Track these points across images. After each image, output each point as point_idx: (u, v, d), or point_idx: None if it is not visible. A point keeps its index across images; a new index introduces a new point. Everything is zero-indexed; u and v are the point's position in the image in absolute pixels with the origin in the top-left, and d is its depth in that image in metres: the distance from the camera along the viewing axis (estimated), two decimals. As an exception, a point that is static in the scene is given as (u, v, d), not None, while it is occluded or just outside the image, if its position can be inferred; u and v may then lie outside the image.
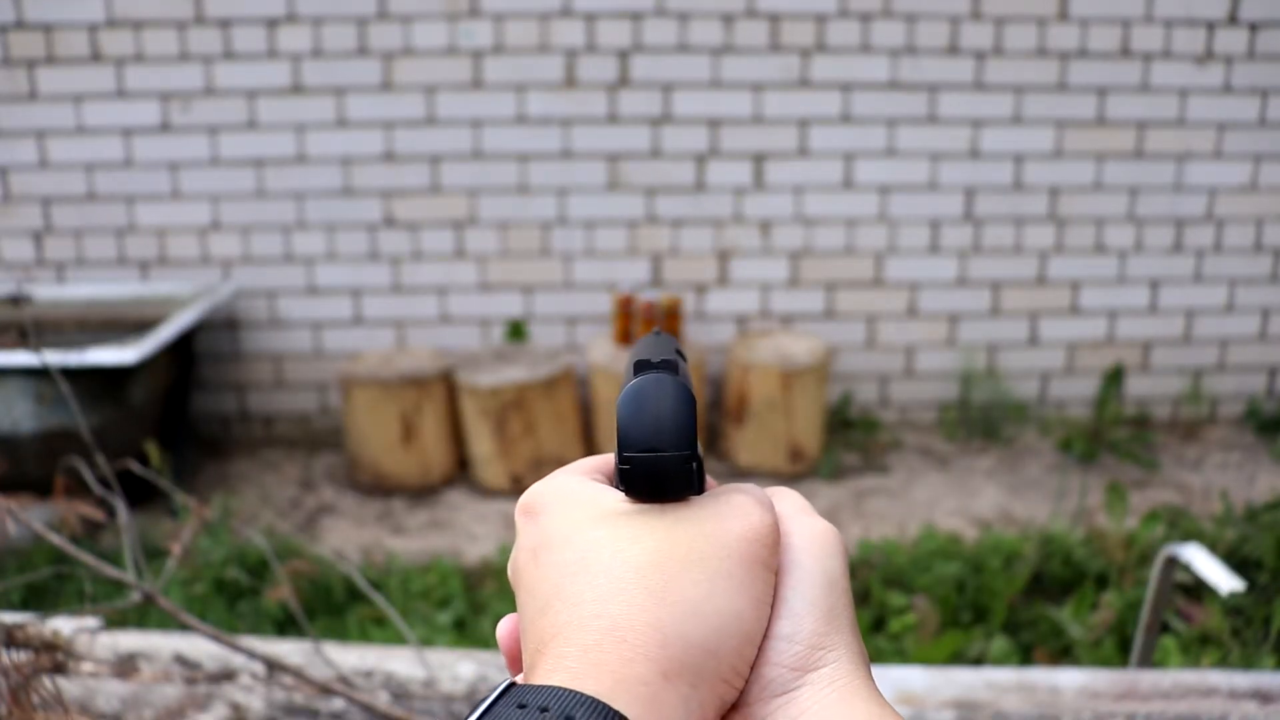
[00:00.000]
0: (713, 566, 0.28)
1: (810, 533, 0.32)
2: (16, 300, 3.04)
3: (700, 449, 0.29)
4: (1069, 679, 1.21)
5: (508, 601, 2.40)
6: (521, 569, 0.31)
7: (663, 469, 0.28)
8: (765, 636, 0.29)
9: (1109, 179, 3.27)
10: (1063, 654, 2.25)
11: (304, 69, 3.08)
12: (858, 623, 0.31)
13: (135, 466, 1.60)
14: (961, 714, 1.12)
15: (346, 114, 3.12)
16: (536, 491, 0.32)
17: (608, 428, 3.07)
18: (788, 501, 0.33)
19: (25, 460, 2.64)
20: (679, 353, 0.33)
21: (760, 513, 0.30)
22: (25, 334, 2.37)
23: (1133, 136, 3.23)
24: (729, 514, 0.30)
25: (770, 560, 0.29)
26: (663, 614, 0.27)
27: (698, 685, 0.27)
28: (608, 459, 0.35)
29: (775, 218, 3.26)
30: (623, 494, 0.30)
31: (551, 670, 0.27)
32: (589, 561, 0.28)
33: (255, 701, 1.27)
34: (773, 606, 0.29)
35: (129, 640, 1.36)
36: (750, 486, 0.32)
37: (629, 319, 3.12)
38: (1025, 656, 2.26)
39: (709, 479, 0.32)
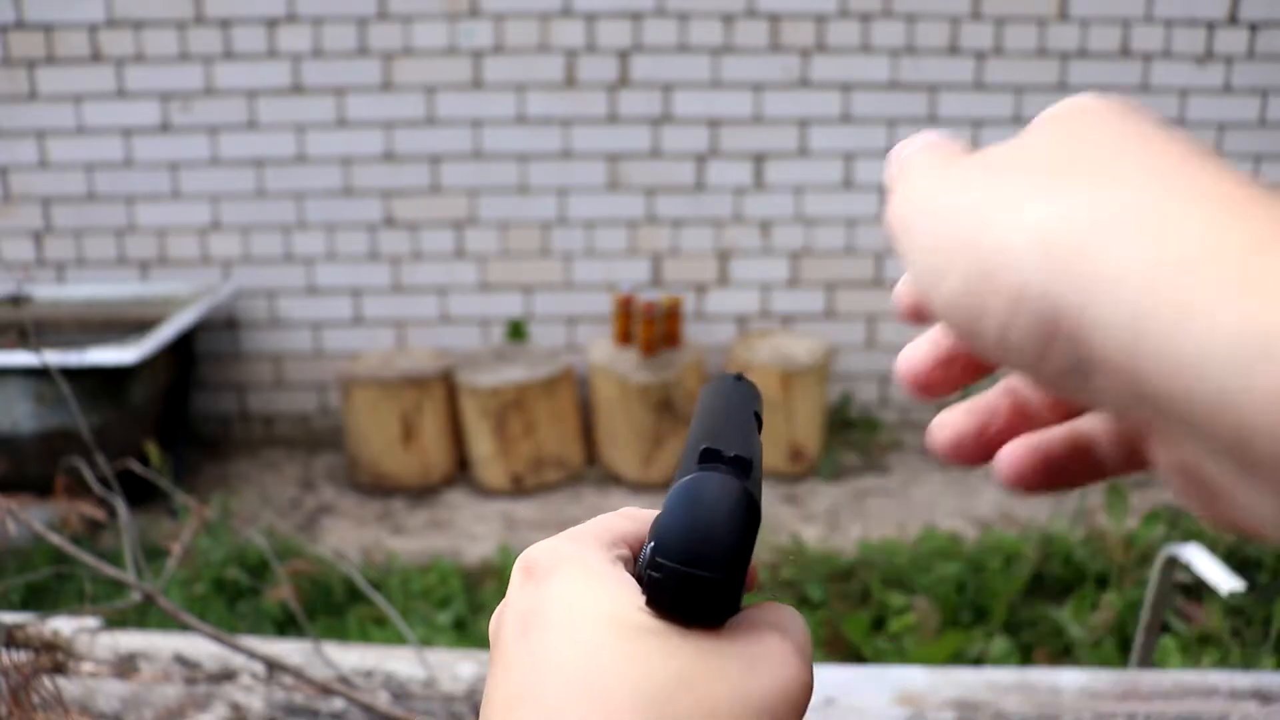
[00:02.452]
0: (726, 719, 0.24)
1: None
2: (16, 300, 3.04)
3: (751, 564, 0.25)
4: (1069, 679, 1.20)
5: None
6: (505, 636, 0.27)
7: (698, 588, 0.24)
8: None
9: (1109, 179, 3.26)
10: (1063, 654, 2.25)
11: (304, 69, 3.08)
12: None
13: (135, 466, 1.60)
14: (962, 714, 1.12)
15: (346, 114, 3.12)
16: (545, 551, 0.27)
17: (608, 428, 3.07)
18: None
19: (25, 460, 2.64)
20: (758, 416, 0.28)
21: (798, 670, 0.26)
22: (25, 334, 2.38)
23: (1133, 136, 3.22)
24: (762, 662, 0.25)
25: None
26: None
27: None
28: (638, 523, 0.30)
29: (775, 218, 3.26)
30: (645, 598, 0.26)
31: None
32: (582, 670, 0.24)
33: (255, 701, 1.27)
34: None
35: (129, 640, 1.36)
36: (790, 622, 0.27)
37: (629, 319, 3.12)
38: (1025, 657, 2.26)
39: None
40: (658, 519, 0.24)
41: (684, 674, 0.24)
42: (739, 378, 0.30)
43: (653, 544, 0.24)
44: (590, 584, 0.26)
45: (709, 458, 0.24)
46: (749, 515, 0.24)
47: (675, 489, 0.24)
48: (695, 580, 0.23)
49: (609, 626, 0.24)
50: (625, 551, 0.28)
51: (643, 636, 0.24)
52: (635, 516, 0.30)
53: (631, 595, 0.25)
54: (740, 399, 0.28)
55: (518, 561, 0.28)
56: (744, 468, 0.24)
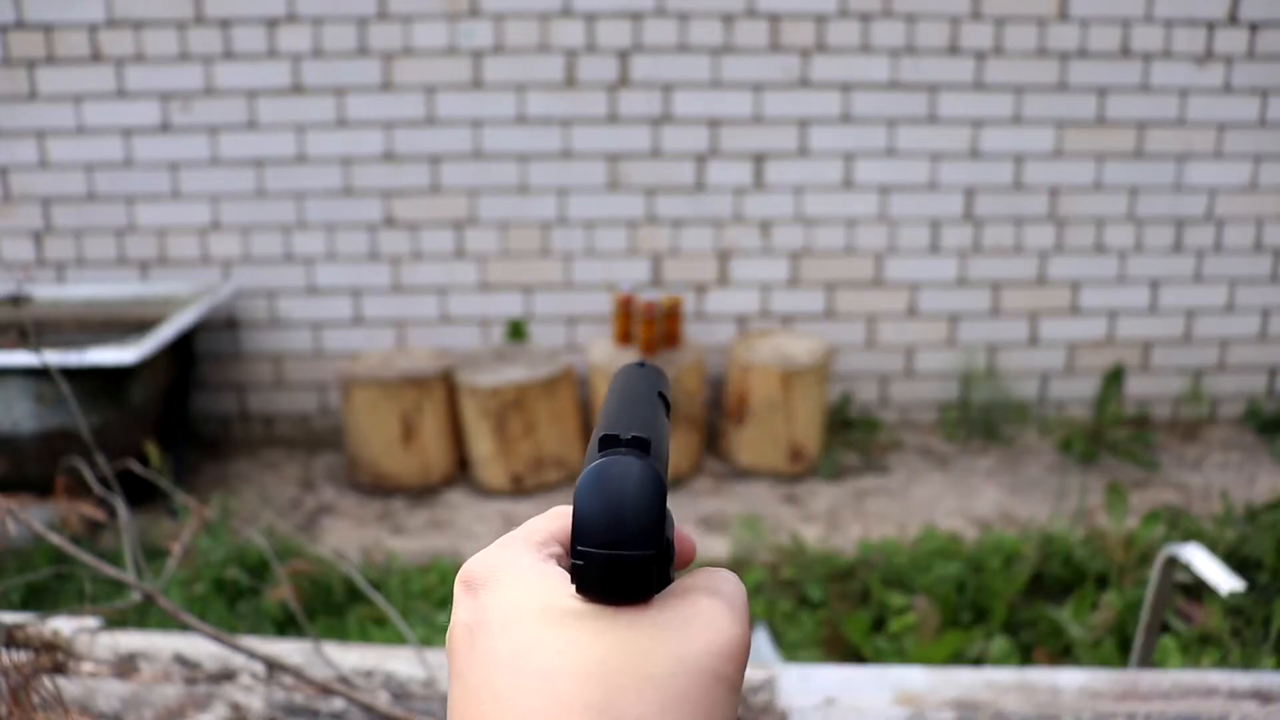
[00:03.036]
0: (667, 684, 0.25)
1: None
2: (16, 300, 3.04)
3: (668, 535, 0.26)
4: (1069, 679, 1.20)
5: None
6: (455, 648, 0.28)
7: (621, 569, 0.24)
8: None
9: (1109, 179, 3.27)
10: (1063, 654, 2.25)
11: (304, 69, 3.08)
12: None
13: (135, 466, 1.60)
14: (962, 714, 1.12)
15: (346, 114, 3.12)
16: (480, 562, 0.28)
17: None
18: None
19: (25, 460, 2.64)
20: (663, 397, 0.29)
21: (731, 624, 0.26)
22: (25, 334, 2.37)
23: (1133, 136, 3.23)
24: (694, 624, 0.26)
25: (736, 679, 0.26)
26: None
27: None
28: (566, 519, 0.30)
29: (775, 218, 3.26)
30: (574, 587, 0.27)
31: None
32: (526, 661, 0.25)
33: (255, 701, 1.27)
34: None
35: (129, 640, 1.36)
36: (722, 582, 0.29)
37: (629, 319, 3.12)
38: (1025, 657, 2.26)
39: (681, 533, 0.28)
40: (573, 510, 0.25)
41: (621, 649, 0.25)
42: (641, 364, 0.31)
43: (572, 535, 0.25)
44: (524, 584, 0.27)
45: (608, 443, 0.25)
46: (654, 490, 0.24)
47: (581, 477, 0.25)
48: (615, 561, 0.24)
49: (545, 619, 0.25)
50: (557, 548, 0.29)
51: (577, 622, 0.25)
52: (563, 514, 0.31)
53: (563, 586, 0.26)
54: (644, 384, 0.29)
55: (457, 577, 0.29)
56: (643, 446, 0.25)
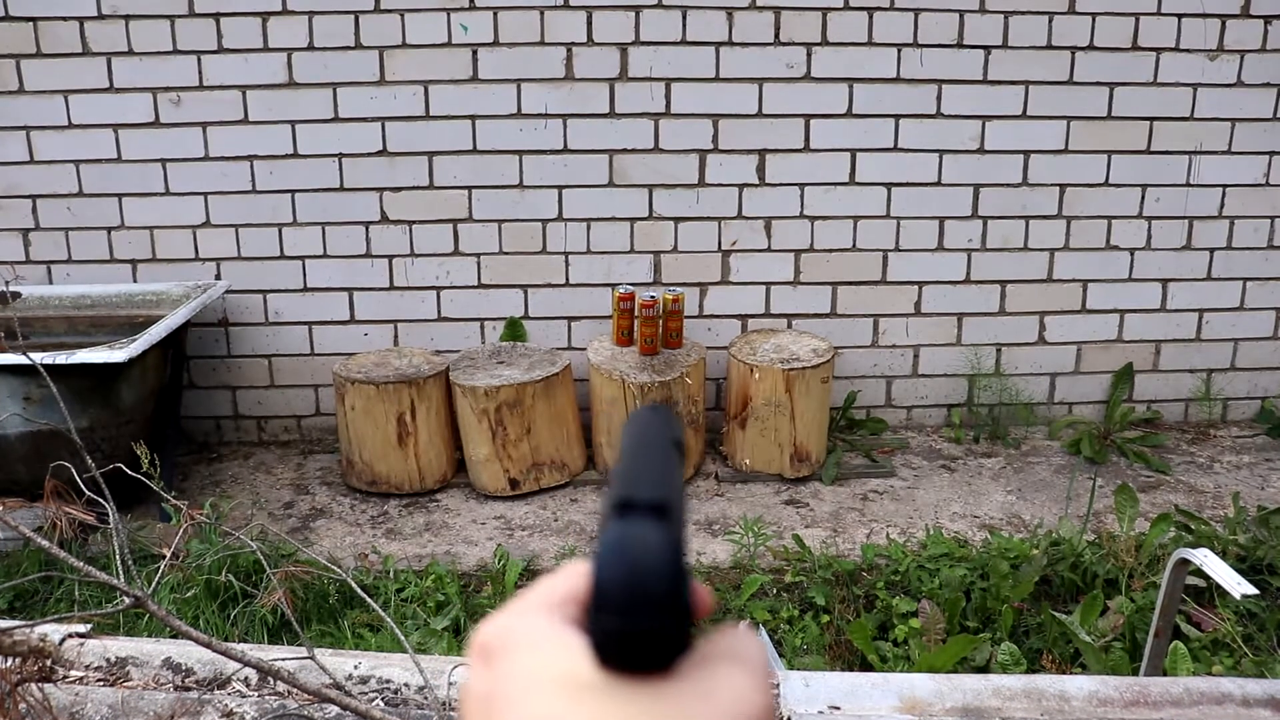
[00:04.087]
0: None
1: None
2: (4, 299, 2.99)
3: (687, 599, 0.25)
4: (1078, 686, 1.18)
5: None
6: (470, 718, 0.27)
7: (642, 640, 0.24)
8: None
9: (1118, 175, 3.21)
10: (1071, 660, 2.20)
11: (297, 63, 3.02)
12: None
13: (125, 469, 1.55)
14: (972, 727, 1.08)
15: (340, 109, 3.06)
16: (496, 629, 0.28)
17: (607, 429, 3.02)
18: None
19: (13, 463, 2.59)
20: (678, 445, 0.28)
21: (755, 692, 0.26)
22: (12, 333, 2.32)
23: (1143, 132, 3.17)
24: (717, 694, 0.26)
25: None
26: None
27: None
28: (582, 578, 0.30)
29: (778, 214, 3.21)
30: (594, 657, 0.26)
31: None
32: None
33: (248, 708, 1.23)
34: None
35: (118, 646, 1.32)
36: (743, 647, 0.28)
37: (629, 318, 3.07)
38: (1033, 663, 2.21)
39: (696, 587, 0.27)
40: (594, 579, 0.25)
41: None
42: (654, 408, 0.30)
43: (592, 603, 0.25)
44: (541, 653, 0.26)
45: (627, 510, 0.25)
46: (675, 558, 0.24)
47: (601, 545, 0.25)
48: (636, 632, 0.24)
49: (563, 690, 0.25)
50: (574, 610, 0.29)
51: (597, 695, 0.25)
52: (579, 573, 0.30)
53: (582, 656, 0.26)
54: (656, 431, 0.29)
55: (472, 644, 0.28)
56: (662, 509, 0.25)
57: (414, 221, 3.18)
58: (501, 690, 0.26)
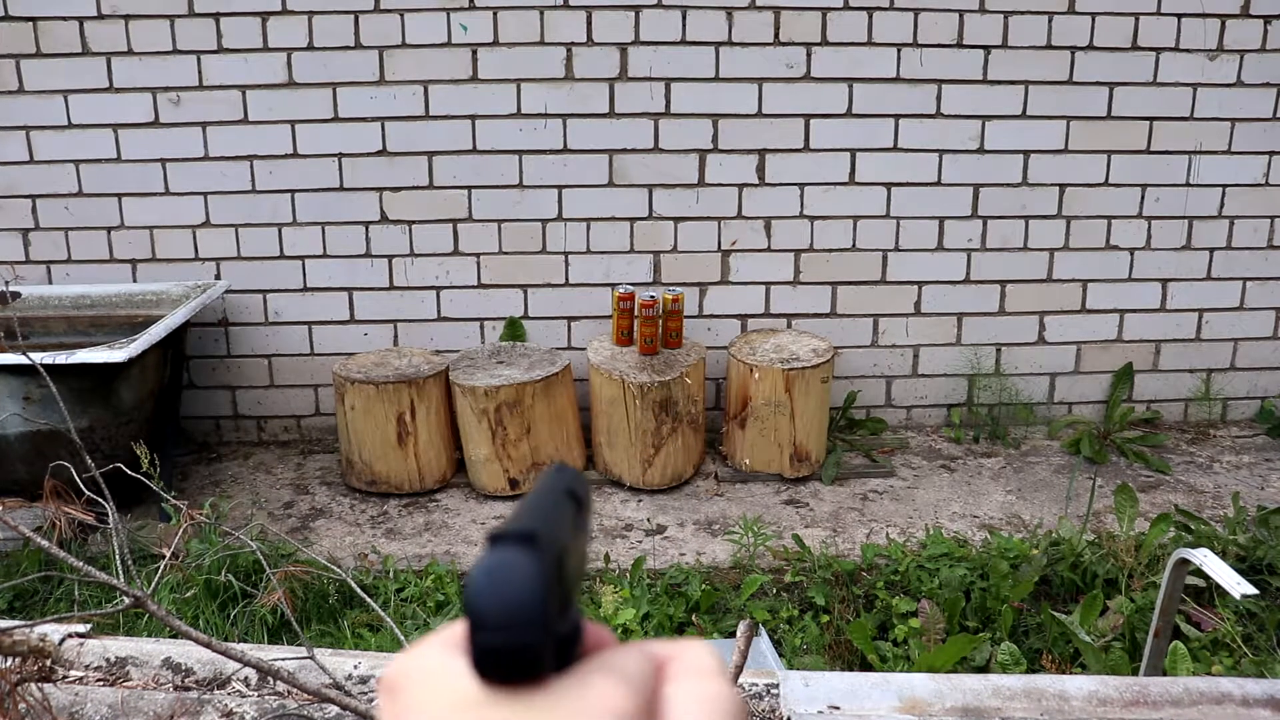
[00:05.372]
0: None
1: (700, 700, 0.30)
2: (4, 299, 2.99)
3: (562, 622, 0.29)
4: (1077, 686, 1.18)
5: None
6: None
7: (510, 650, 0.27)
8: None
9: (1118, 175, 3.21)
10: (1071, 660, 2.20)
11: (297, 63, 3.02)
12: None
13: (125, 469, 1.55)
14: (971, 727, 1.08)
15: (340, 109, 3.06)
16: (398, 668, 0.31)
17: (607, 429, 3.02)
18: (687, 657, 0.32)
19: (12, 462, 2.59)
20: (573, 494, 0.32)
21: (620, 696, 0.28)
22: (12, 333, 2.32)
23: (1143, 132, 3.17)
24: (585, 698, 0.28)
25: None
26: None
27: None
28: None
29: (778, 214, 3.20)
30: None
31: None
32: None
33: (247, 709, 1.24)
34: None
35: (118, 646, 1.32)
36: (620, 659, 0.30)
37: (629, 318, 3.07)
38: (1033, 663, 2.21)
39: (596, 627, 0.31)
40: (466, 601, 0.28)
41: None
42: (560, 467, 0.34)
43: (468, 625, 0.28)
44: (433, 679, 0.29)
45: (495, 539, 0.28)
46: (534, 578, 0.27)
47: (471, 571, 0.28)
48: (502, 647, 0.27)
49: (449, 708, 0.28)
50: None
51: (477, 707, 0.28)
52: None
53: (466, 676, 0.28)
54: (553, 483, 0.32)
55: (379, 684, 0.32)
56: (529, 538, 0.27)
57: (414, 221, 3.18)
58: (402, 715, 0.29)
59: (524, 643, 0.27)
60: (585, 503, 0.32)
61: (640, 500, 2.97)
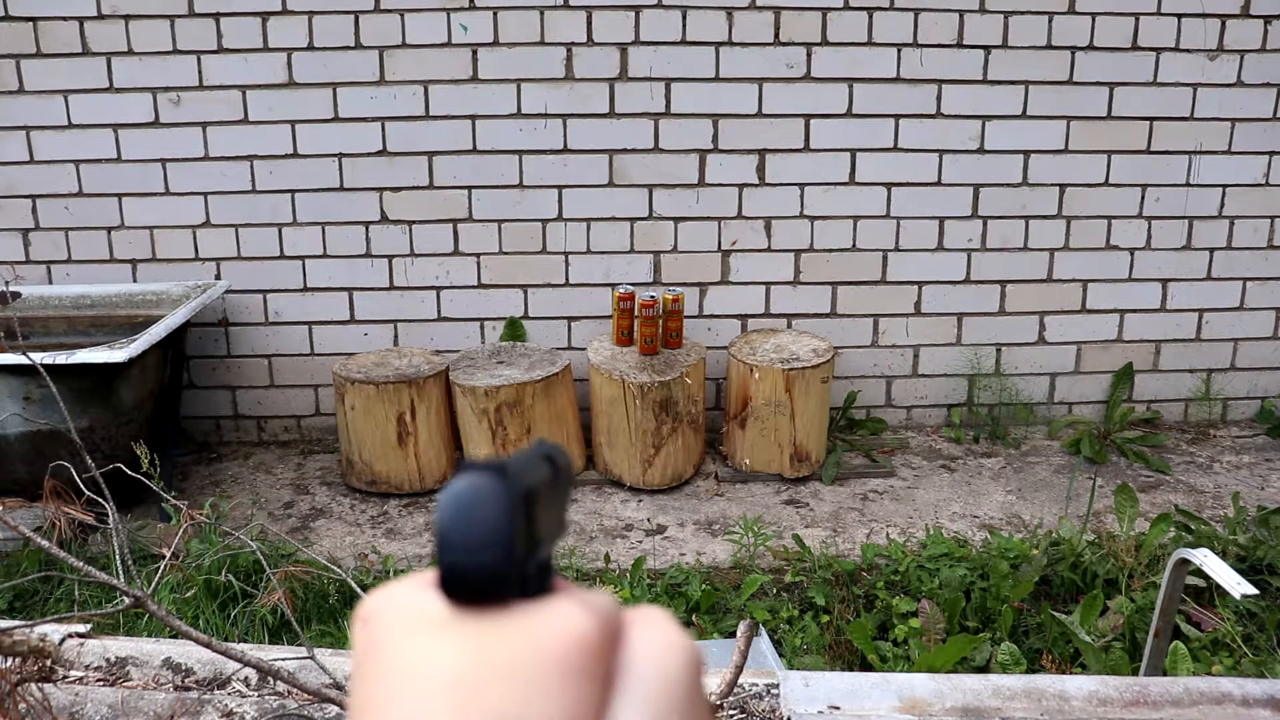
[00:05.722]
0: (526, 676, 0.27)
1: (656, 639, 0.31)
2: (4, 298, 2.99)
3: (545, 551, 0.30)
4: (1077, 686, 1.18)
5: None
6: (352, 680, 0.30)
7: (476, 569, 0.28)
8: None
9: (1118, 175, 3.21)
10: (1071, 660, 2.20)
11: (297, 63, 3.02)
12: None
13: (125, 469, 1.55)
14: (971, 727, 1.08)
15: (340, 109, 3.06)
16: (371, 599, 0.31)
17: (607, 429, 3.02)
18: (647, 614, 0.32)
19: (12, 462, 2.59)
20: (549, 458, 0.33)
21: (582, 617, 0.29)
22: (12, 333, 2.32)
23: (1143, 132, 3.17)
24: (549, 619, 0.29)
25: (593, 668, 0.28)
26: None
27: None
28: None
29: (778, 214, 3.20)
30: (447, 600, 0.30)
31: None
32: (402, 671, 0.28)
33: (248, 709, 1.24)
34: (605, 715, 0.29)
35: (118, 646, 1.32)
36: (593, 595, 0.31)
37: (629, 317, 3.07)
38: (1033, 663, 2.21)
39: (564, 581, 0.32)
40: (435, 524, 0.28)
41: (480, 647, 0.27)
42: (542, 440, 0.35)
43: (436, 546, 0.28)
44: (406, 605, 0.29)
45: (464, 468, 0.28)
46: (498, 500, 0.27)
47: (440, 497, 0.28)
48: (466, 565, 0.27)
49: (419, 627, 0.28)
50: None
51: (445, 627, 0.28)
52: None
53: (435, 599, 0.29)
54: (535, 448, 0.32)
55: (355, 618, 0.31)
56: (498, 469, 0.28)
57: (414, 221, 3.18)
58: (372, 646, 0.29)
59: (487, 563, 0.27)
60: (563, 469, 0.33)
61: (640, 500, 2.97)
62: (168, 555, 1.50)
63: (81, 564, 1.18)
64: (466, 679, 0.27)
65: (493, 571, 0.28)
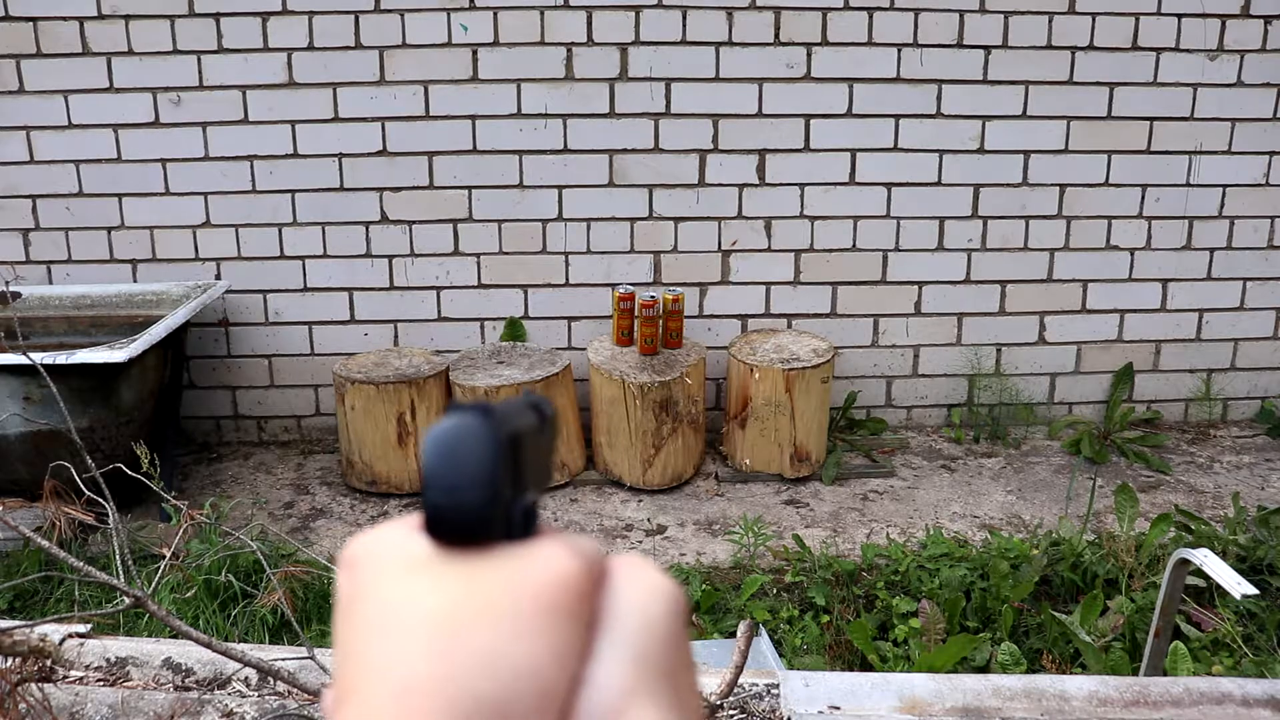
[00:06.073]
0: (510, 616, 0.27)
1: (640, 582, 0.31)
2: (4, 298, 2.99)
3: (533, 494, 0.29)
4: (1077, 686, 1.18)
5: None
6: (335, 625, 0.30)
7: (460, 510, 0.27)
8: (579, 684, 0.28)
9: (1118, 175, 3.21)
10: (1071, 660, 2.20)
11: (297, 63, 3.02)
12: (695, 683, 0.30)
13: (125, 469, 1.55)
14: (971, 728, 1.08)
15: (340, 109, 3.06)
16: (355, 543, 0.31)
17: (607, 429, 3.02)
18: (631, 559, 0.32)
19: (13, 463, 2.59)
20: (535, 406, 0.33)
21: (567, 558, 0.29)
22: (12, 333, 2.32)
23: (1143, 132, 3.17)
24: (534, 560, 0.28)
25: (577, 609, 0.28)
26: (453, 669, 0.26)
27: None
28: None
29: (778, 214, 3.20)
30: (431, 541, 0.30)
31: None
32: (386, 613, 0.28)
33: (248, 708, 1.24)
34: (588, 656, 0.29)
35: (119, 646, 1.32)
36: (578, 538, 0.31)
37: (629, 317, 3.07)
38: (1033, 663, 2.21)
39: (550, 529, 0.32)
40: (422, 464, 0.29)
41: (464, 587, 0.27)
42: (528, 391, 0.35)
43: (422, 486, 0.28)
44: (390, 548, 0.29)
45: (451, 410, 0.28)
46: (490, 438, 0.27)
47: (425, 437, 0.28)
48: (451, 503, 0.27)
49: (403, 569, 0.28)
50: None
51: (429, 567, 0.28)
52: None
53: (419, 540, 0.29)
54: (521, 398, 0.32)
55: (339, 562, 0.31)
56: (483, 411, 0.28)
57: (414, 221, 3.18)
58: (356, 589, 0.29)
59: (471, 503, 0.27)
60: (549, 418, 0.32)
61: (640, 500, 2.97)
62: (168, 555, 1.50)
63: (81, 564, 1.18)
64: (450, 620, 0.26)
65: (477, 512, 0.27)
